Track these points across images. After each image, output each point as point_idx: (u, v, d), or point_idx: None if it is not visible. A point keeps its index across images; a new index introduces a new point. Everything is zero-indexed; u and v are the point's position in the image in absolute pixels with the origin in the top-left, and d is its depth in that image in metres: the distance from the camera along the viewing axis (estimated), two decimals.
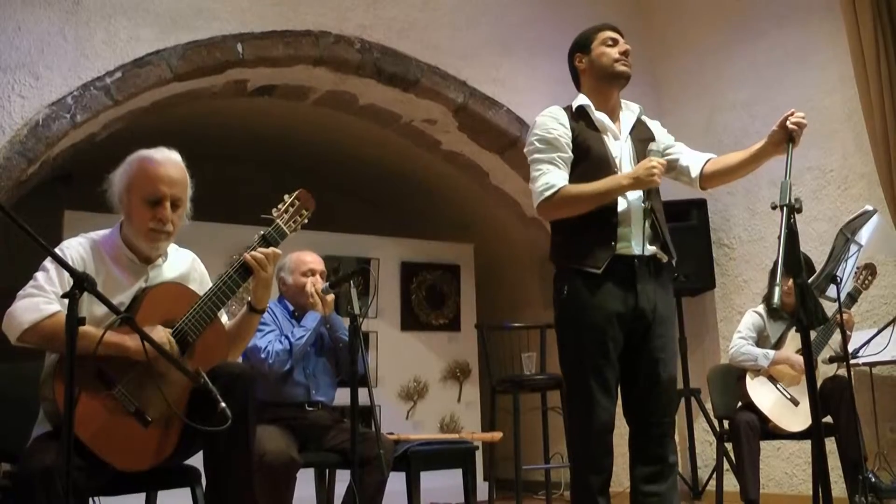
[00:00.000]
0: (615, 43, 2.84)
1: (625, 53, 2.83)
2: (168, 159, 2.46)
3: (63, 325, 2.13)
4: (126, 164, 2.47)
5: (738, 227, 5.59)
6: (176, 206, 2.44)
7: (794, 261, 2.07)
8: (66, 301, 2.19)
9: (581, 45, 2.91)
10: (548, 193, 2.69)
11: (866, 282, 4.20)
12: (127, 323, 2.04)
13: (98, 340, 2.01)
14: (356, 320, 3.25)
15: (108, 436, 2.20)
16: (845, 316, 3.78)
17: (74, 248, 2.37)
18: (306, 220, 2.63)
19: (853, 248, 3.49)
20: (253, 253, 2.47)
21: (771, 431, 4.12)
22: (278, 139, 6.67)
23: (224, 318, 2.57)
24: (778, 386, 4.16)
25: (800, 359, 4.10)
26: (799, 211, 2.13)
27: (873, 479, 4.13)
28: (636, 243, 2.71)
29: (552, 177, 2.71)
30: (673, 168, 2.89)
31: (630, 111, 2.92)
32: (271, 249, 2.50)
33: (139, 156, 2.46)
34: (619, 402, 2.79)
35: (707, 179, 2.85)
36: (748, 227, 5.52)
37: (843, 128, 4.96)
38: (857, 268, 4.19)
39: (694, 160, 2.87)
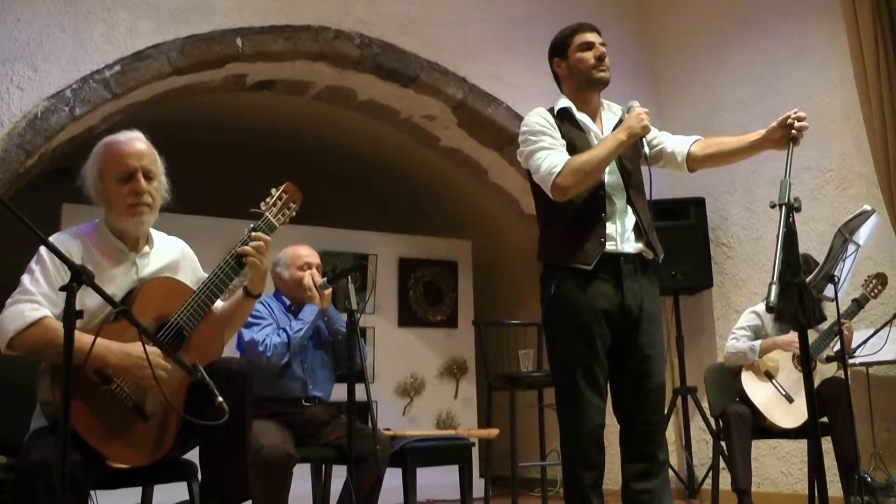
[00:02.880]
0: (591, 46, 2.84)
1: (601, 58, 2.84)
2: (131, 137, 2.48)
3: (48, 333, 2.17)
4: (93, 153, 2.49)
5: (736, 226, 5.59)
6: (149, 177, 2.45)
7: (792, 260, 2.07)
8: (55, 300, 2.22)
9: (558, 50, 2.92)
10: (556, 170, 2.68)
11: (875, 290, 4.21)
12: (123, 316, 2.04)
13: (87, 353, 2.01)
14: (354, 316, 3.25)
15: (106, 431, 2.20)
16: (844, 323, 3.79)
17: (61, 244, 2.31)
18: (294, 213, 2.66)
19: (851, 247, 3.50)
20: (251, 244, 2.47)
21: (767, 429, 4.13)
22: (277, 134, 6.66)
23: (217, 303, 2.56)
24: (774, 382, 4.16)
25: (785, 337, 4.12)
26: (798, 210, 2.13)
27: (869, 480, 4.14)
28: (621, 241, 2.73)
29: (554, 157, 2.71)
30: (660, 158, 2.92)
31: (612, 112, 2.94)
32: (263, 240, 2.51)
33: (103, 142, 2.49)
34: (610, 399, 2.81)
35: (696, 161, 2.86)
36: (746, 226, 5.53)
37: (842, 128, 4.96)
38: (868, 276, 4.21)
39: (678, 145, 2.89)
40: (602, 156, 2.68)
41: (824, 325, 4.07)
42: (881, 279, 4.22)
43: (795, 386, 4.13)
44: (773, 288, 2.00)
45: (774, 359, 4.19)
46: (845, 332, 3.88)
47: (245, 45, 4.68)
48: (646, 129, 2.71)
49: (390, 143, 6.37)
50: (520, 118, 5.46)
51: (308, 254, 3.74)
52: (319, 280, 3.63)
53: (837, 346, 3.96)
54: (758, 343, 4.18)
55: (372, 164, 7.09)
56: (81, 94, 4.21)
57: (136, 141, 2.47)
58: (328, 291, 3.65)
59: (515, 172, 5.80)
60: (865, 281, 4.21)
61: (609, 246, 2.71)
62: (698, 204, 5.58)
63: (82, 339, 2.00)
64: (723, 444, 4.33)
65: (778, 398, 4.14)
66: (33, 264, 2.33)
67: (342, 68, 5.12)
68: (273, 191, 2.64)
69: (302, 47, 4.89)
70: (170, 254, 2.57)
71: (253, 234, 2.51)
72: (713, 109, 5.76)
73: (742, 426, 4.04)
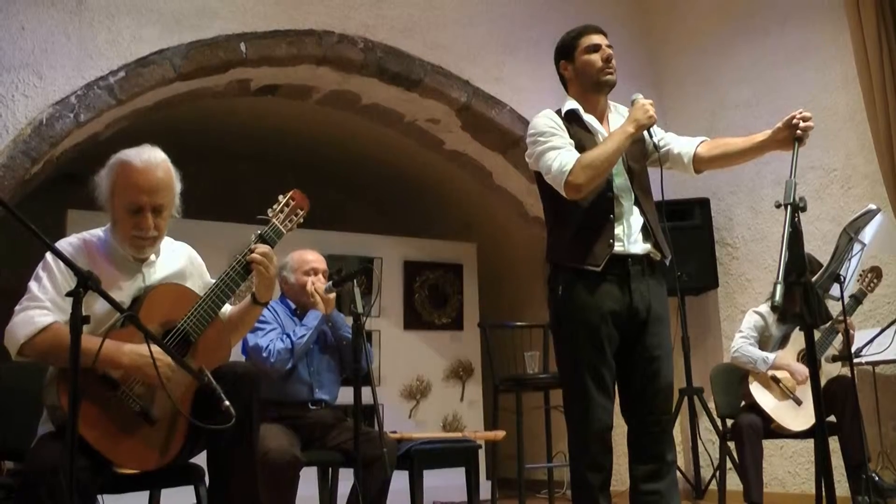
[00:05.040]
0: (597, 48, 2.83)
1: (608, 60, 2.83)
2: (148, 165, 2.39)
3: (58, 338, 2.17)
4: (108, 167, 2.43)
5: (741, 227, 5.59)
6: (158, 211, 2.41)
7: (797, 260, 2.07)
8: (63, 307, 2.23)
9: (564, 53, 2.91)
10: (567, 169, 2.67)
11: (871, 285, 4.20)
12: (130, 321, 2.05)
13: (96, 355, 2.01)
14: (359, 319, 3.25)
15: (113, 437, 2.20)
16: (847, 322, 3.79)
17: (64, 249, 2.33)
18: (301, 220, 2.66)
19: (856, 247, 3.49)
20: (258, 252, 2.48)
21: (774, 431, 4.12)
22: (281, 139, 6.68)
23: (226, 306, 2.57)
24: (781, 385, 4.15)
25: (799, 367, 4.11)
26: (803, 210, 2.12)
27: (876, 479, 4.13)
28: (629, 242, 2.73)
29: (564, 156, 2.70)
30: (666, 159, 2.91)
31: (619, 114, 2.93)
32: (268, 248, 2.52)
33: (120, 160, 2.41)
34: (618, 400, 2.80)
35: (702, 162, 2.85)
36: (751, 226, 5.52)
37: (847, 127, 4.96)
38: (863, 271, 4.19)
39: (685, 146, 2.89)
40: (612, 150, 2.67)
41: (825, 324, 4.06)
42: (876, 272, 4.21)
43: (803, 388, 4.12)
44: (778, 287, 1.99)
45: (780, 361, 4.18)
46: (850, 331, 3.87)
47: (249, 49, 4.69)
48: (652, 120, 2.70)
49: (394, 147, 6.38)
50: (524, 120, 5.54)
51: (315, 259, 3.74)
52: (323, 286, 3.63)
53: (839, 344, 3.95)
54: (772, 357, 4.16)
55: (376, 168, 7.10)
56: (86, 100, 4.23)
57: (152, 170, 2.38)
58: (332, 297, 3.65)
59: (520, 175, 5.80)
60: (861, 276, 4.19)
61: (617, 247, 2.71)
62: (703, 204, 5.58)
63: (92, 341, 2.01)
64: (730, 444, 4.32)
65: (787, 402, 4.13)
66: (40, 270, 2.33)
67: (346, 72, 5.13)
68: (280, 197, 2.64)
69: (305, 52, 4.90)
70: (177, 262, 2.57)
71: (253, 245, 2.51)
72: (717, 110, 5.76)
73: (754, 439, 4.03)
